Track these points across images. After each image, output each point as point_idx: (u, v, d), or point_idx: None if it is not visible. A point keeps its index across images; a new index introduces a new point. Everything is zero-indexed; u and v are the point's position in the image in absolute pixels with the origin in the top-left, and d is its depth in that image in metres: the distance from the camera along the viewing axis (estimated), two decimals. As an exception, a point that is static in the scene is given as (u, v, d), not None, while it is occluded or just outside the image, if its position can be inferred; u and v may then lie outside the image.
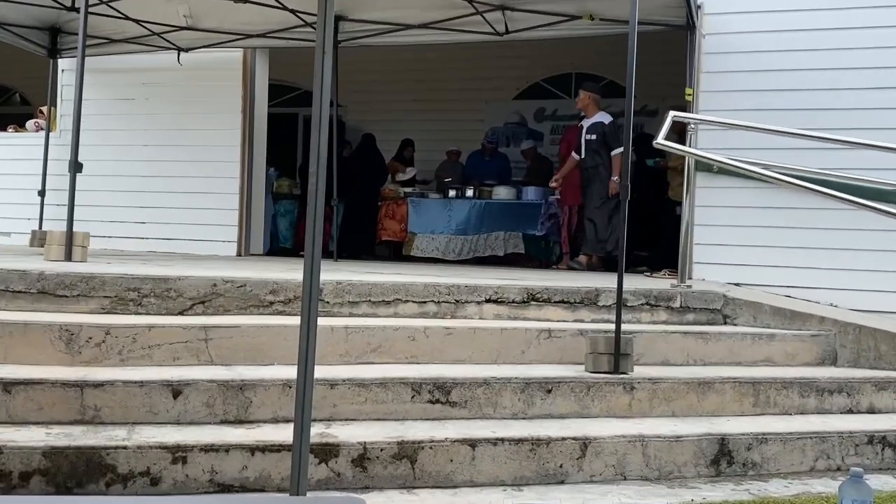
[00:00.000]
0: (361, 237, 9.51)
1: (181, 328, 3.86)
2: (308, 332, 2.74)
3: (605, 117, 7.76)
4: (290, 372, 3.59)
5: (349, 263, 7.56)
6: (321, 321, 3.50)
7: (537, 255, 8.79)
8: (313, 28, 7.68)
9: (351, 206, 9.43)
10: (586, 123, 7.83)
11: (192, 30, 7.91)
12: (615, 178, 7.45)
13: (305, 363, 2.74)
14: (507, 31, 7.49)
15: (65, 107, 8.70)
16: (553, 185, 8.24)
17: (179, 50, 8.33)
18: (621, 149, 7.38)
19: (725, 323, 5.02)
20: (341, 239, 8.69)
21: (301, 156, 11.84)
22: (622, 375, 4.03)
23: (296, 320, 4.01)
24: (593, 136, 7.71)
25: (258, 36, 8.04)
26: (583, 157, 7.77)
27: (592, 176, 7.71)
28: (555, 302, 4.74)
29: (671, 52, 7.43)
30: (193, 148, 8.40)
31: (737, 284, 6.14)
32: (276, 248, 9.88)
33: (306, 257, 2.94)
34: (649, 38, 6.83)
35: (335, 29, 7.79)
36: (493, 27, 7.42)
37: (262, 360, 3.90)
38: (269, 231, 9.57)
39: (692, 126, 5.29)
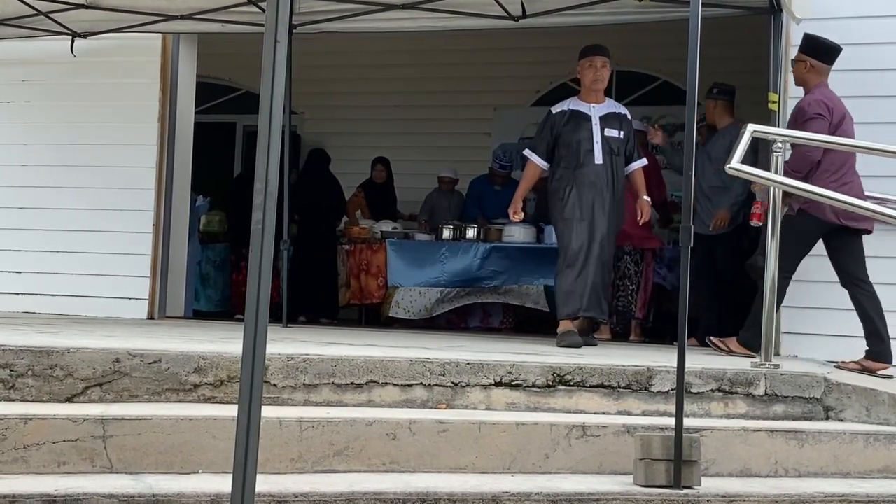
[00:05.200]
0: (317, 294, 9.49)
1: (70, 421, 3.81)
2: (248, 427, 2.72)
3: (622, 108, 7.11)
4: (222, 484, 3.55)
5: (304, 330, 7.53)
6: (266, 412, 3.47)
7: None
8: (259, 7, 7.75)
9: (301, 250, 9.42)
10: (597, 111, 6.91)
11: (94, 8, 7.96)
12: (646, 196, 6.97)
13: (244, 471, 2.71)
14: (525, 15, 7.58)
15: None
16: (515, 216, 7.03)
17: (74, 35, 8.38)
18: (644, 161, 7.13)
19: (827, 418, 4.97)
20: (292, 296, 8.66)
21: (237, 178, 11.84)
22: (685, 491, 3.98)
23: (230, 410, 3.97)
24: (618, 133, 6.90)
25: (183, 17, 8.10)
26: (599, 162, 6.80)
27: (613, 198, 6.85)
28: (591, 386, 4.69)
29: (749, 45, 7.52)
30: (91, 170, 8.42)
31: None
32: (204, 308, 9.85)
33: (247, 322, 2.92)
34: (719, 25, 6.93)
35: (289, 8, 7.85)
36: (504, 9, 7.50)
37: (182, 467, 3.85)
38: (195, 285, 9.55)
39: (779, 145, 5.31)
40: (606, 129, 6.82)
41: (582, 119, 6.85)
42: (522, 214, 7.03)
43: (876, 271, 6.03)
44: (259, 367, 2.70)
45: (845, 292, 6.27)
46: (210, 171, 10.96)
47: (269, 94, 2.76)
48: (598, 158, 6.77)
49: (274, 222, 2.90)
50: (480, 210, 10.00)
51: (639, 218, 6.95)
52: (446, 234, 9.33)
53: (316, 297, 9.49)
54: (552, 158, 6.92)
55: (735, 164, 4.84)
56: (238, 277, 9.76)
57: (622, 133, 6.88)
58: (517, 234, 9.21)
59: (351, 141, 11.31)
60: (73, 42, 8.38)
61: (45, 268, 8.42)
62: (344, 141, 11.29)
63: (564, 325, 6.66)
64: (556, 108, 6.98)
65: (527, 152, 7.10)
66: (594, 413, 4.61)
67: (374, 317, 9.77)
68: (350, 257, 9.59)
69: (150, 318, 8.22)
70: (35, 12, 8.04)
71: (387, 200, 10.58)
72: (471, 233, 9.29)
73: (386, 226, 9.84)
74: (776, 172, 5.21)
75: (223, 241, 10.13)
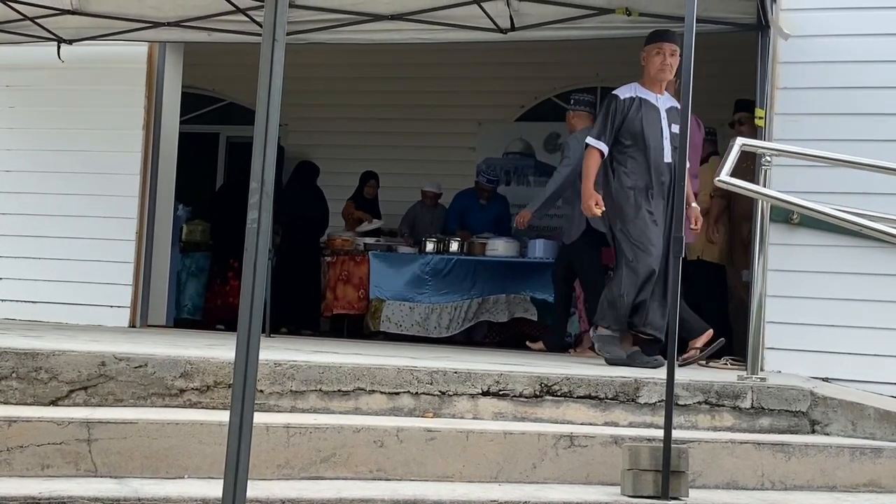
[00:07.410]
0: (299, 305, 9.45)
1: (54, 424, 3.78)
2: (240, 431, 2.69)
3: (676, 101, 6.42)
4: (209, 489, 3.53)
5: (287, 339, 7.51)
6: (254, 417, 3.44)
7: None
8: (248, 16, 7.74)
9: (285, 260, 9.39)
10: (662, 102, 6.37)
11: (81, 14, 7.95)
12: (694, 203, 6.41)
13: (235, 476, 2.67)
14: (513, 28, 7.58)
15: None
16: (596, 210, 6.22)
17: (61, 41, 8.35)
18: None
19: (813, 431, 4.98)
20: (275, 306, 8.62)
21: (222, 188, 11.79)
22: (673, 502, 3.96)
23: (216, 416, 3.96)
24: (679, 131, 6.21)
25: (170, 25, 8.09)
26: (668, 160, 6.22)
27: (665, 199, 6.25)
28: (578, 397, 4.68)
29: (733, 61, 7.57)
30: (75, 176, 8.38)
31: (824, 379, 6.13)
32: (183, 318, 9.79)
33: (240, 326, 2.89)
34: (703, 40, 6.95)
35: (278, 18, 7.83)
36: (494, 22, 7.51)
37: (167, 472, 3.82)
38: (175, 294, 9.49)
39: (767, 159, 5.32)
40: (672, 125, 6.24)
41: (651, 109, 6.28)
42: (603, 206, 6.22)
43: (876, 287, 6.09)
44: (253, 363, 2.67)
45: (829, 309, 6.33)
46: (192, 180, 10.92)
47: (266, 94, 2.74)
48: (668, 156, 6.20)
49: (270, 223, 2.87)
50: (462, 224, 9.98)
51: (693, 225, 6.39)
52: (430, 247, 9.31)
53: (298, 308, 9.46)
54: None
55: (724, 176, 4.84)
56: (224, 288, 9.70)
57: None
58: (500, 248, 9.20)
59: (334, 153, 11.28)
60: (59, 48, 8.36)
61: (27, 274, 8.38)
62: (327, 153, 11.25)
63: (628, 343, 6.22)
64: (622, 94, 6.32)
65: (590, 140, 6.29)
66: (581, 424, 4.60)
67: (356, 329, 9.73)
68: (331, 268, 9.55)
69: (132, 326, 8.18)
70: (22, 17, 8.02)
71: (373, 215, 10.57)
72: (454, 246, 9.27)
73: (369, 238, 9.83)
74: (765, 186, 5.23)
75: (204, 251, 10.07)
